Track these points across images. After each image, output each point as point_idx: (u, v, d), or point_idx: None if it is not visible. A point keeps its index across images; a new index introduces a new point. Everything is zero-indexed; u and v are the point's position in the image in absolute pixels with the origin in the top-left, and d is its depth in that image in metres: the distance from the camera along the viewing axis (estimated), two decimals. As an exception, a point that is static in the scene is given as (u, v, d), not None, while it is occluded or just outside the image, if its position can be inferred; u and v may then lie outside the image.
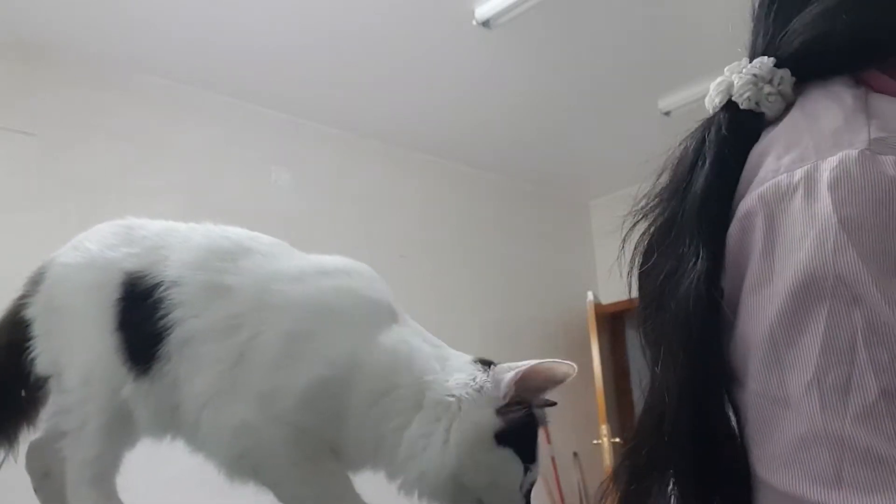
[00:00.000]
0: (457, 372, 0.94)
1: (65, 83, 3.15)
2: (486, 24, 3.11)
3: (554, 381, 0.92)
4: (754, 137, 0.62)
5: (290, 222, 2.85)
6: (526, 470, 0.91)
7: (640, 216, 0.67)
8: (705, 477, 0.60)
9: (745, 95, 0.63)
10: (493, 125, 4.06)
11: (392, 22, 3.14)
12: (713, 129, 0.64)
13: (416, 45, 3.31)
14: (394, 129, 4.04)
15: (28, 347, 1.05)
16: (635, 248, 0.66)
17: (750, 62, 0.65)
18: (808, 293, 0.50)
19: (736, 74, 0.64)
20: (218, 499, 1.24)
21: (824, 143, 0.54)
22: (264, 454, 0.93)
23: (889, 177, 0.50)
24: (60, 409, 1.03)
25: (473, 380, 0.92)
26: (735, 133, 0.63)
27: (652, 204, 0.66)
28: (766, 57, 0.64)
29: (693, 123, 0.67)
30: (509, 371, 0.91)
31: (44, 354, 1.05)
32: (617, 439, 4.10)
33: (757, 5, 0.68)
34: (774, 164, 0.56)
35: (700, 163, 0.63)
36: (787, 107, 0.63)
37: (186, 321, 0.97)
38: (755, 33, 0.68)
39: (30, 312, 1.07)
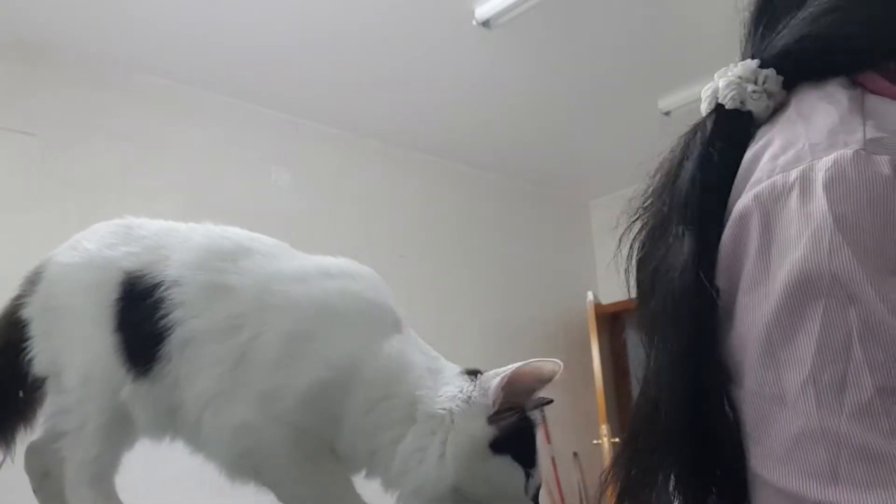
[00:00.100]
0: (444, 385, 0.93)
1: (65, 83, 3.15)
2: (486, 24, 3.12)
3: (542, 381, 0.91)
4: (744, 137, 0.63)
5: (290, 222, 2.85)
6: (528, 475, 0.90)
7: (635, 217, 0.68)
8: (702, 473, 0.60)
9: (730, 95, 0.64)
10: (493, 125, 4.06)
11: (392, 22, 3.14)
12: (699, 131, 0.65)
13: (416, 45, 3.31)
14: (394, 129, 4.04)
15: (25, 348, 1.05)
16: (630, 247, 0.67)
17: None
18: (804, 292, 0.50)
19: (722, 78, 0.65)
20: (218, 499, 1.25)
21: (820, 144, 0.55)
22: (265, 454, 0.92)
23: (884, 176, 0.50)
24: (59, 409, 1.03)
25: (461, 391, 0.91)
26: (722, 132, 0.64)
27: (646, 204, 0.67)
28: (749, 59, 0.65)
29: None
30: (495, 377, 0.90)
31: (41, 355, 1.05)
32: (617, 439, 4.11)
33: (748, 15, 0.69)
34: (770, 165, 0.57)
35: (686, 160, 0.64)
36: (778, 106, 0.64)
37: (187, 321, 0.97)
38: (745, 41, 0.69)
39: (27, 312, 1.07)
